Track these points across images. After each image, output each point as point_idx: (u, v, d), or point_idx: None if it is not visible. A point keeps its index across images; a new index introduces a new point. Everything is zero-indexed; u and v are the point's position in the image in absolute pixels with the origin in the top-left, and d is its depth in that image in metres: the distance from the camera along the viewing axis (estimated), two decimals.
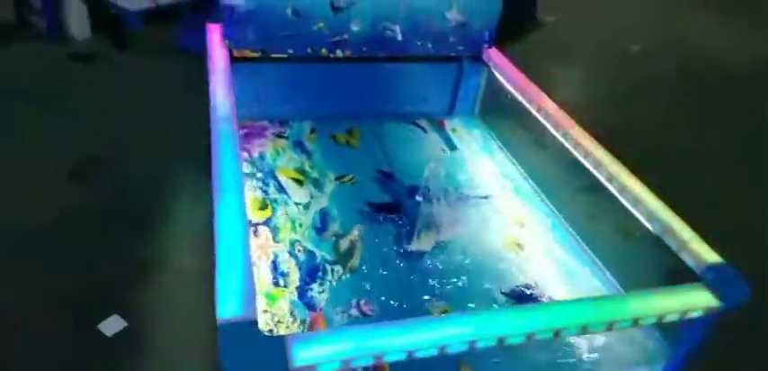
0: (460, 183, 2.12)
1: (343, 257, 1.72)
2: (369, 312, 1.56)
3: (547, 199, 2.09)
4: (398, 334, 1.06)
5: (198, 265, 2.41)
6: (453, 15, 2.29)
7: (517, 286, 1.72)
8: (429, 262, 1.76)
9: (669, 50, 5.26)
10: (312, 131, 2.29)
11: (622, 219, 1.66)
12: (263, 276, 1.61)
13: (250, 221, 1.77)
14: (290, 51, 2.16)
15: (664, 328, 1.47)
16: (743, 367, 2.37)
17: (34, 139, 3.24)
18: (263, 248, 1.71)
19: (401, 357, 1.05)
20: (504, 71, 2.26)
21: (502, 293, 1.69)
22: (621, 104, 4.27)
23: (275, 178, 2.00)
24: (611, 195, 1.68)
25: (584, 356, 1.51)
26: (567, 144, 1.88)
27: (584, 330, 1.16)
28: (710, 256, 1.35)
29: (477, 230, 1.91)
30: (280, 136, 2.25)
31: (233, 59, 2.05)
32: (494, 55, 2.35)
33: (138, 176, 3.03)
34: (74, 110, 3.55)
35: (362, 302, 1.58)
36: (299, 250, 1.72)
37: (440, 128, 2.44)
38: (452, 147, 2.35)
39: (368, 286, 1.64)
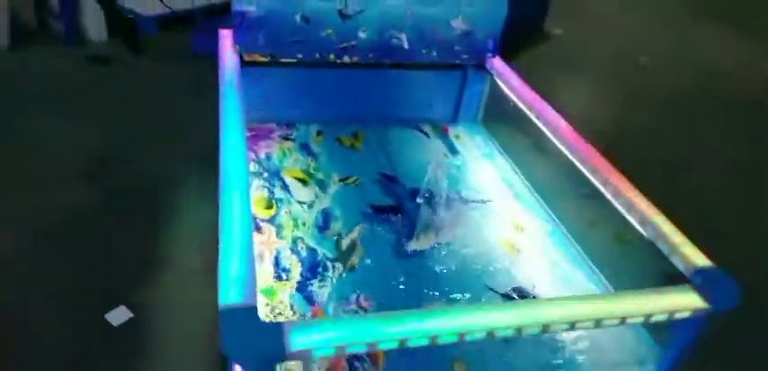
0: (461, 187, 2.16)
1: (343, 255, 1.77)
2: (367, 308, 1.61)
3: (546, 205, 2.13)
4: (391, 324, 1.10)
5: (204, 263, 2.48)
6: (458, 25, 2.34)
7: (513, 288, 1.76)
8: (427, 262, 1.81)
9: (679, 65, 5.27)
10: (318, 133, 2.35)
11: (618, 225, 1.69)
12: (265, 271, 1.66)
13: (255, 218, 1.83)
14: (299, 56, 2.22)
15: (654, 330, 1.51)
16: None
17: (48, 138, 3.34)
18: (266, 245, 1.77)
19: (393, 345, 1.10)
20: (508, 80, 2.31)
21: (497, 293, 1.73)
22: (623, 114, 4.29)
23: (280, 178, 2.06)
24: (608, 202, 1.72)
25: (577, 357, 1.54)
26: (566, 152, 1.91)
27: (572, 326, 1.19)
28: (700, 260, 1.38)
29: (476, 232, 1.96)
30: (286, 138, 2.31)
31: (243, 64, 2.11)
32: (497, 64, 2.40)
33: (147, 177, 3.11)
34: (87, 111, 3.65)
35: (361, 297, 1.63)
36: (301, 247, 1.78)
37: (443, 134, 2.49)
38: (455, 152, 2.39)
39: (367, 284, 1.68)
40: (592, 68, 5.06)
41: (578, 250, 1.94)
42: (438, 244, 1.87)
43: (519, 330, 1.15)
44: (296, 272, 1.69)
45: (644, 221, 1.56)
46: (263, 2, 2.05)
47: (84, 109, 3.67)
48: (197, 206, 2.86)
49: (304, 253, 1.76)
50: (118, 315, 2.28)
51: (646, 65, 5.18)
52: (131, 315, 2.29)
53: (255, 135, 2.28)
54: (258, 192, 1.98)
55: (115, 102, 3.81)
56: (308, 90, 2.39)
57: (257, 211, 1.88)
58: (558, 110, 2.06)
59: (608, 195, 1.70)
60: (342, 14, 2.19)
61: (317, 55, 2.23)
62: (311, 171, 2.13)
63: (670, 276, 1.49)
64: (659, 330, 1.48)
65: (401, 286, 1.70)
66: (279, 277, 1.66)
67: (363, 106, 2.44)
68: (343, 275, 1.71)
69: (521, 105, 2.17)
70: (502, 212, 2.09)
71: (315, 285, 1.65)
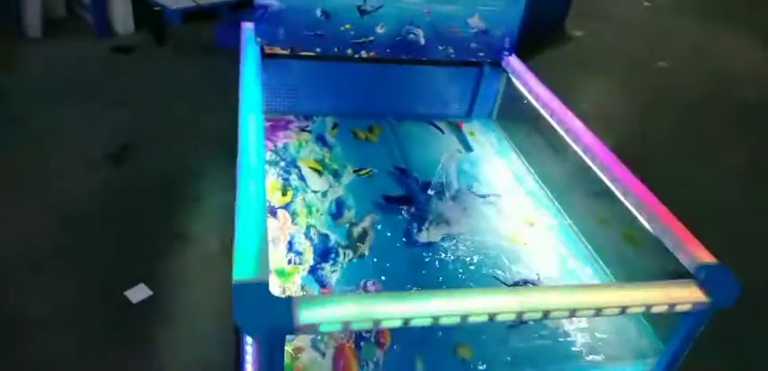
0: (473, 182, 2.20)
1: (354, 243, 1.82)
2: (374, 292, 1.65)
3: (556, 201, 2.15)
4: (395, 302, 1.15)
5: (222, 245, 2.56)
6: (475, 22, 2.37)
7: (520, 280, 1.79)
8: (436, 252, 1.84)
9: (698, 70, 5.22)
10: (334, 126, 2.41)
11: (628, 223, 1.71)
12: (279, 254, 1.72)
13: (270, 204, 1.89)
14: (318, 50, 2.27)
15: (657, 324, 1.52)
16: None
17: (76, 125, 3.46)
18: (281, 230, 1.83)
19: (397, 323, 1.14)
20: (523, 78, 2.33)
21: (504, 284, 1.76)
22: (638, 115, 4.28)
23: (297, 167, 2.12)
24: (618, 200, 1.74)
25: (580, 350, 1.57)
26: (578, 150, 1.94)
27: (573, 313, 1.22)
28: (705, 257, 1.40)
29: (486, 226, 1.99)
30: (303, 130, 2.37)
31: (264, 56, 2.18)
32: (513, 62, 2.42)
33: (169, 163, 3.21)
34: (114, 100, 3.77)
35: (370, 282, 1.68)
36: (314, 234, 1.83)
37: (457, 130, 2.53)
38: (468, 148, 2.43)
39: (376, 270, 1.73)
40: (610, 70, 5.05)
41: (587, 247, 1.96)
42: (448, 235, 1.90)
43: (520, 314, 1.18)
44: (308, 257, 1.74)
45: (652, 218, 1.58)
46: None
47: (111, 97, 3.79)
48: (216, 192, 2.95)
49: (316, 239, 1.81)
50: (137, 292, 2.37)
51: (664, 68, 5.14)
52: (150, 293, 2.38)
53: (274, 125, 2.34)
54: (275, 179, 2.04)
55: (141, 91, 3.93)
56: (325, 83, 2.44)
57: (273, 197, 1.95)
58: (572, 109, 2.08)
59: (618, 194, 1.72)
60: (361, 10, 2.24)
61: (336, 49, 2.28)
62: (326, 161, 2.19)
63: (676, 275, 1.51)
64: (662, 326, 1.50)
65: (409, 275, 1.75)
66: (291, 261, 1.72)
67: (379, 101, 2.49)
68: (354, 261, 1.76)
69: (535, 103, 2.20)
70: (512, 208, 2.12)
71: (326, 270, 1.70)
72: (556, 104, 2.11)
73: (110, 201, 2.90)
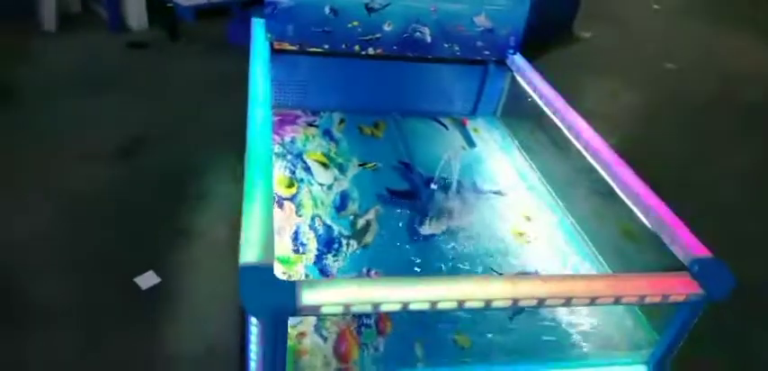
0: (476, 178, 2.23)
1: (358, 234, 1.86)
2: None
3: (558, 198, 2.18)
4: (394, 286, 1.19)
5: (229, 235, 2.62)
6: (481, 21, 2.41)
7: (519, 273, 1.82)
8: (438, 245, 1.88)
9: (706, 72, 5.22)
10: (341, 121, 2.45)
11: (628, 220, 1.74)
12: (284, 244, 1.77)
13: (277, 195, 1.94)
14: (326, 46, 2.32)
15: (652, 316, 1.55)
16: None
17: (89, 117, 3.54)
18: (286, 220, 1.87)
19: (396, 307, 1.19)
20: (527, 77, 2.36)
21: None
22: (644, 116, 4.29)
23: (303, 160, 2.17)
24: (618, 197, 1.76)
25: (577, 340, 1.60)
26: (581, 148, 1.96)
27: (568, 302, 1.25)
28: (699, 249, 1.43)
29: (487, 221, 2.02)
30: (310, 124, 2.41)
31: (273, 51, 2.23)
32: (518, 61, 2.46)
33: (179, 155, 3.28)
34: (127, 93, 3.85)
35: (372, 272, 1.72)
36: (318, 225, 1.88)
37: (462, 126, 2.56)
38: (472, 144, 2.46)
39: (378, 260, 1.77)
40: (617, 72, 5.06)
41: (587, 243, 1.99)
42: (449, 229, 1.94)
43: (515, 301, 1.22)
44: (312, 247, 1.79)
45: (649, 214, 1.61)
46: None
47: (124, 91, 3.87)
48: (224, 184, 3.01)
49: (321, 230, 1.86)
50: (146, 279, 2.43)
51: (672, 70, 5.14)
52: (159, 280, 2.44)
53: (281, 120, 2.39)
54: (281, 171, 2.09)
55: (153, 86, 4.01)
56: (333, 79, 2.49)
57: (280, 189, 2.00)
58: (576, 108, 2.11)
59: (618, 191, 1.75)
60: (368, 8, 2.28)
61: (343, 46, 2.33)
62: (332, 155, 2.23)
63: (673, 270, 1.54)
64: (657, 318, 1.53)
65: (411, 266, 1.79)
66: (296, 251, 1.77)
67: (385, 97, 2.53)
68: (357, 251, 1.80)
69: (539, 102, 2.23)
70: (514, 204, 2.15)
71: (329, 259, 1.75)
72: (559, 102, 2.14)
73: (121, 192, 2.97)
